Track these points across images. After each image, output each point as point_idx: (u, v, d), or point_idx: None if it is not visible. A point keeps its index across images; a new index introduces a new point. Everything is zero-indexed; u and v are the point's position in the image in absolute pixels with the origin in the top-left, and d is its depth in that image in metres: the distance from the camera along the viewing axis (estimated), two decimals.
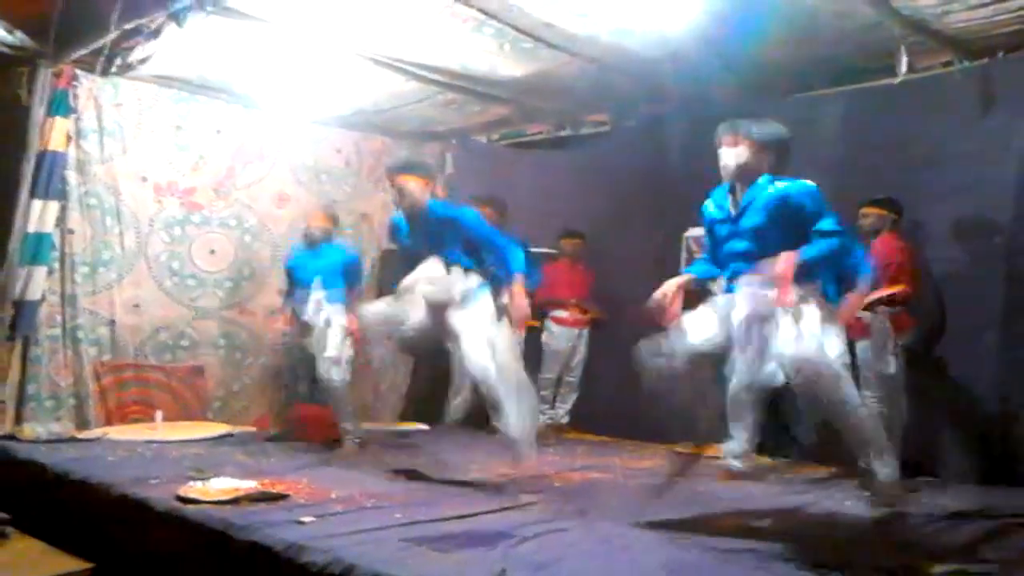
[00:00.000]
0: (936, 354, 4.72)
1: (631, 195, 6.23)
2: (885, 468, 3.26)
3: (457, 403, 5.65)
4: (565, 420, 6.42)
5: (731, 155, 3.37)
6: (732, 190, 3.48)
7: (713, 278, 3.66)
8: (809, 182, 3.37)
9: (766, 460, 4.98)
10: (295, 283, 5.61)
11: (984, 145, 4.69)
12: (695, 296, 3.65)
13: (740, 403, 4.33)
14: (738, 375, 4.25)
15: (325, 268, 5.47)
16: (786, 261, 3.13)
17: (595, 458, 5.23)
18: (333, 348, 5.32)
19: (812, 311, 3.20)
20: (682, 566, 2.91)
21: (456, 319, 4.16)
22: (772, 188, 3.32)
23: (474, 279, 4.25)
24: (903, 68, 4.78)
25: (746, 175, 3.37)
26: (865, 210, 4.65)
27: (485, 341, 4.07)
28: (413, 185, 4.33)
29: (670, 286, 3.52)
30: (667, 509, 3.65)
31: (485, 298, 4.21)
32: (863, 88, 5.23)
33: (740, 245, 3.35)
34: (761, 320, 3.22)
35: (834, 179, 4.77)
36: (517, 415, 4.02)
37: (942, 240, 4.82)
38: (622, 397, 6.00)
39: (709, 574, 2.85)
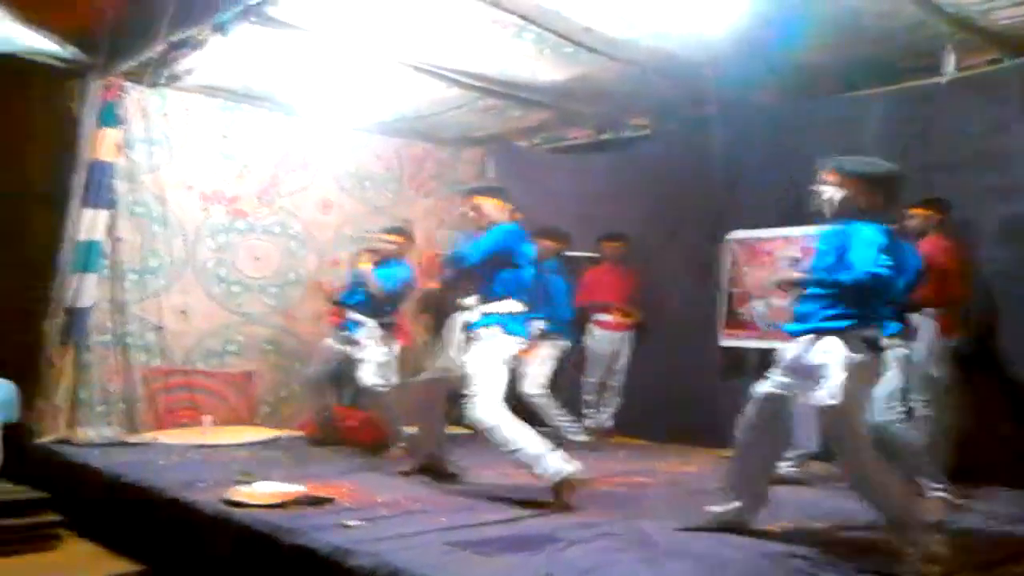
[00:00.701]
0: (989, 355, 4.62)
1: (672, 198, 6.20)
2: (922, 545, 2.94)
3: None
4: (609, 424, 6.39)
5: (824, 189, 3.15)
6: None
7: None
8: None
9: (820, 467, 4.86)
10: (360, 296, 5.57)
11: None
12: None
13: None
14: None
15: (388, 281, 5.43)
16: None
17: (639, 463, 5.21)
18: (375, 354, 5.39)
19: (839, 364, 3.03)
20: (728, 571, 2.89)
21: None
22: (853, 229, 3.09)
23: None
24: (950, 67, 4.69)
25: (832, 210, 3.15)
26: (911, 211, 4.56)
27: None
28: (490, 206, 4.26)
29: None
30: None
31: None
32: (908, 87, 5.15)
33: (813, 278, 3.20)
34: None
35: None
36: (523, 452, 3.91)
37: (992, 239, 4.72)
38: (665, 401, 5.99)
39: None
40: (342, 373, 5.64)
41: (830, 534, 3.43)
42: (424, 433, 4.50)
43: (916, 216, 4.54)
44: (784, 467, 4.42)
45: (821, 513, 3.79)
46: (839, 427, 3.02)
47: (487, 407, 3.89)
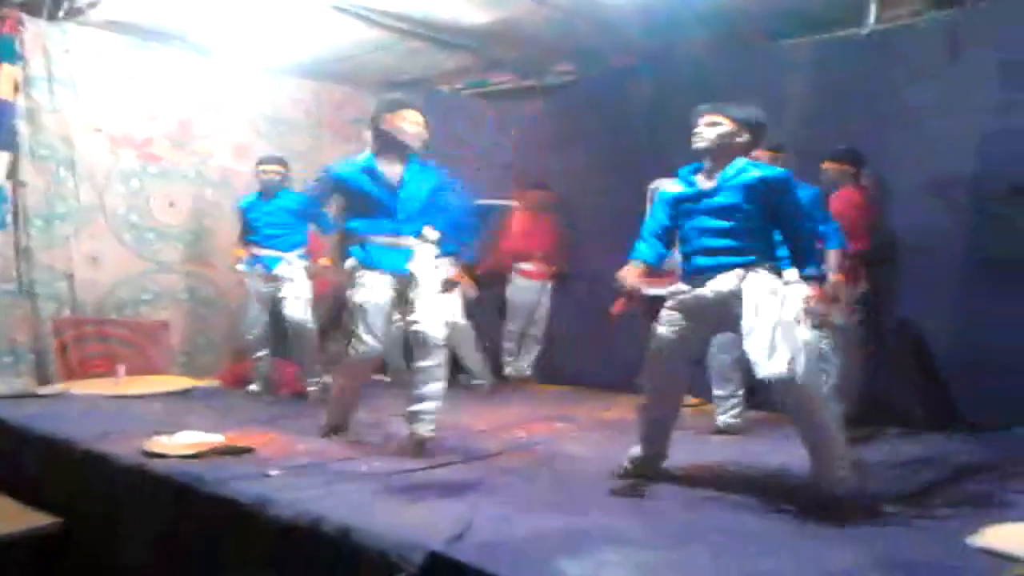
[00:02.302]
0: (898, 306, 4.80)
1: (597, 147, 6.20)
2: (843, 475, 3.08)
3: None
4: (529, 372, 6.45)
5: (711, 131, 3.27)
6: (700, 170, 3.37)
7: (663, 259, 3.60)
8: (782, 169, 3.36)
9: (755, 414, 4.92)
10: (250, 228, 5.55)
11: (950, 97, 4.70)
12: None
13: (727, 368, 4.43)
14: (722, 348, 4.31)
15: (280, 213, 5.40)
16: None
17: (559, 409, 5.28)
18: (302, 289, 5.37)
19: (791, 311, 3.15)
20: (651, 512, 2.97)
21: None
22: (753, 171, 3.23)
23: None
24: (871, 18, 4.77)
25: (722, 152, 3.28)
26: (825, 164, 4.66)
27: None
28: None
29: (631, 280, 3.45)
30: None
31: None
32: (832, 38, 5.21)
33: (713, 222, 3.25)
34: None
35: (801, 130, 4.80)
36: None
37: (906, 192, 4.85)
38: (586, 348, 6.07)
39: (679, 521, 2.90)
40: (275, 318, 5.53)
41: (747, 478, 3.54)
42: (348, 399, 4.30)
43: (829, 169, 4.65)
44: (721, 419, 4.54)
45: (742, 459, 3.87)
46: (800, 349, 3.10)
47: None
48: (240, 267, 5.58)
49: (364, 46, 6.07)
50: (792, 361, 3.00)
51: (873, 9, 4.79)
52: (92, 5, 5.27)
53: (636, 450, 3.50)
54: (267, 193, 5.50)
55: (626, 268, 3.43)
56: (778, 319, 3.06)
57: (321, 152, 6.85)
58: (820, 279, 3.24)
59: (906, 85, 4.85)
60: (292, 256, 5.44)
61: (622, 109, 6.04)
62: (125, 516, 3.45)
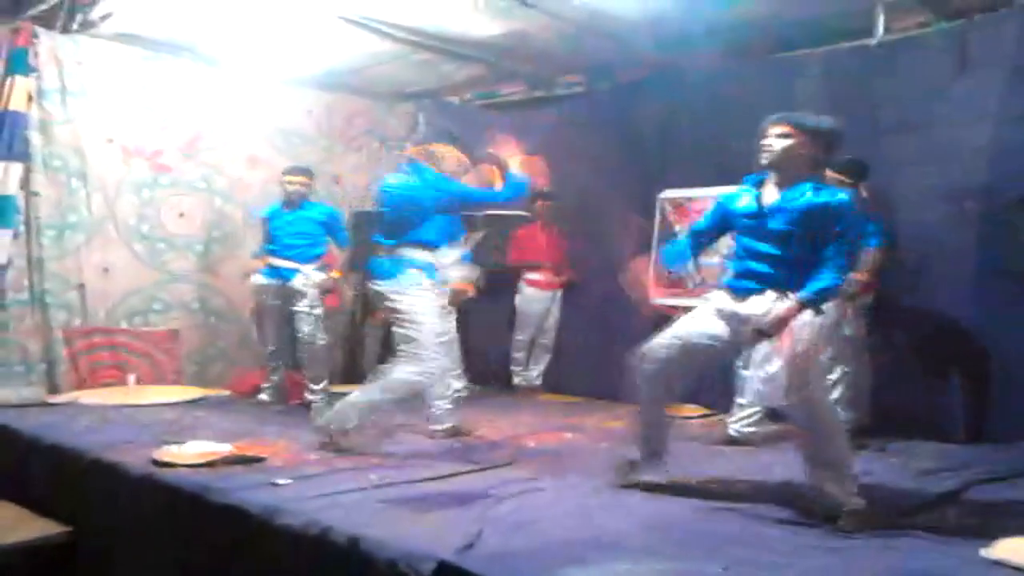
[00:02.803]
0: (908, 316, 4.77)
1: (606, 158, 6.20)
2: (850, 495, 3.04)
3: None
4: (539, 382, 6.44)
5: (779, 143, 3.15)
6: (762, 184, 3.27)
7: (683, 265, 3.60)
8: (844, 194, 3.23)
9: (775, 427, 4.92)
10: (270, 238, 5.56)
11: (959, 108, 4.69)
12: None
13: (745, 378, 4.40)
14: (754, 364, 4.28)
15: (302, 223, 5.45)
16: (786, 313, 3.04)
17: (568, 419, 5.26)
18: (318, 305, 5.39)
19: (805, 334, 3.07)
20: (659, 522, 2.95)
21: None
22: (811, 195, 3.13)
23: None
24: (880, 29, 4.77)
25: (790, 166, 3.17)
26: (828, 173, 4.63)
27: None
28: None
29: (643, 272, 3.47)
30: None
31: None
32: (840, 49, 5.21)
33: (764, 247, 3.19)
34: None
35: None
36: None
37: (915, 203, 4.83)
38: (595, 358, 6.06)
39: (688, 531, 2.88)
40: (278, 326, 5.54)
41: (755, 489, 3.52)
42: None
43: (832, 179, 4.62)
44: (734, 428, 4.50)
45: (751, 471, 3.84)
46: (812, 374, 3.08)
47: None
48: (257, 278, 5.55)
49: (375, 58, 6.10)
50: (804, 388, 2.99)
51: (882, 21, 4.79)
52: (105, 18, 5.31)
53: (634, 454, 3.48)
54: (291, 204, 5.51)
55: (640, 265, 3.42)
56: (795, 348, 3.02)
57: (332, 163, 6.89)
58: (810, 303, 3.17)
59: (916, 95, 4.84)
60: (309, 269, 5.44)
61: (632, 121, 6.04)
62: (134, 525, 3.45)
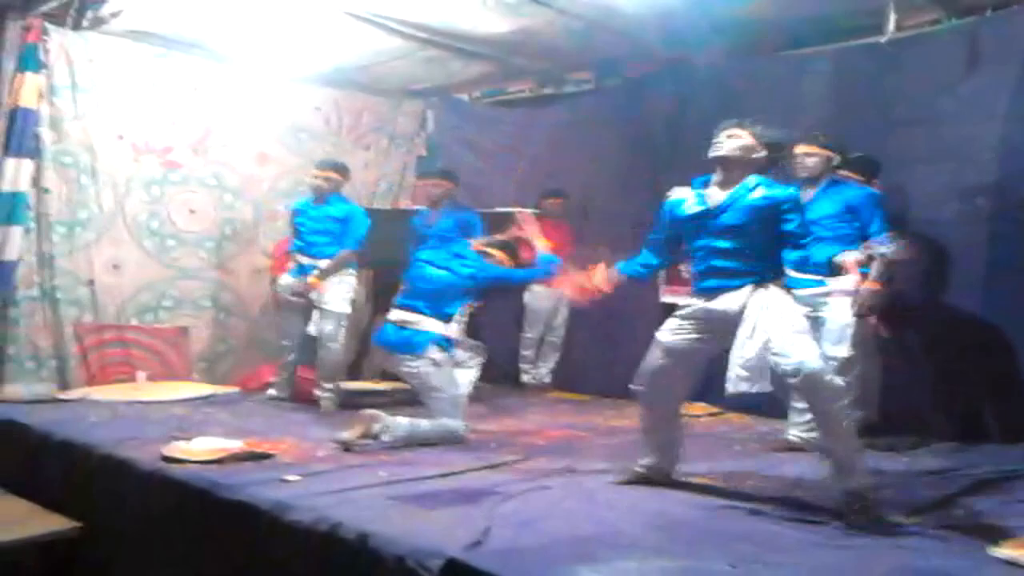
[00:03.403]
0: (919, 314, 4.75)
1: (614, 155, 6.20)
2: (861, 480, 3.06)
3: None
4: (547, 380, 6.44)
5: (730, 142, 3.28)
6: (708, 184, 3.37)
7: (643, 279, 3.68)
8: (791, 188, 3.35)
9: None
10: (295, 233, 5.53)
11: (970, 105, 4.67)
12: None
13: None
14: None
15: (324, 221, 5.39)
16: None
17: (578, 416, 5.28)
18: (343, 305, 5.36)
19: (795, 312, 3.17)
20: (668, 521, 2.95)
21: None
22: (761, 191, 3.24)
23: None
24: (891, 26, 4.75)
25: (736, 165, 3.28)
26: (840, 172, 4.62)
27: None
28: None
29: (602, 281, 3.55)
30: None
31: None
32: (850, 46, 5.19)
33: (720, 243, 3.25)
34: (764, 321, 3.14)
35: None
36: None
37: (926, 200, 4.81)
38: (604, 356, 6.05)
39: (697, 529, 2.89)
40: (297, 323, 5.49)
41: (763, 488, 3.51)
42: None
43: (840, 176, 4.60)
44: (794, 433, 4.38)
45: (761, 469, 3.83)
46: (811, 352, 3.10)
47: None
48: (284, 278, 5.51)
49: (384, 55, 6.10)
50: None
51: (892, 18, 4.77)
52: (116, 15, 5.32)
53: (643, 460, 3.49)
54: (318, 199, 5.46)
55: (600, 267, 3.54)
56: (778, 329, 3.06)
57: (339, 159, 6.87)
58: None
59: (927, 93, 4.82)
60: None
61: (641, 117, 6.03)
62: (143, 521, 3.47)
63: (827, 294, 4.19)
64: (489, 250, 4.60)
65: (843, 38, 5.22)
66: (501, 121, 7.07)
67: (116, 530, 3.54)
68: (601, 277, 3.57)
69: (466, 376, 4.56)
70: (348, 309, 5.41)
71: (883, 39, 4.85)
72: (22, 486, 3.98)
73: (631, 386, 3.46)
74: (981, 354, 4.58)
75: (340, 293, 5.35)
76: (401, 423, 4.10)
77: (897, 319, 4.59)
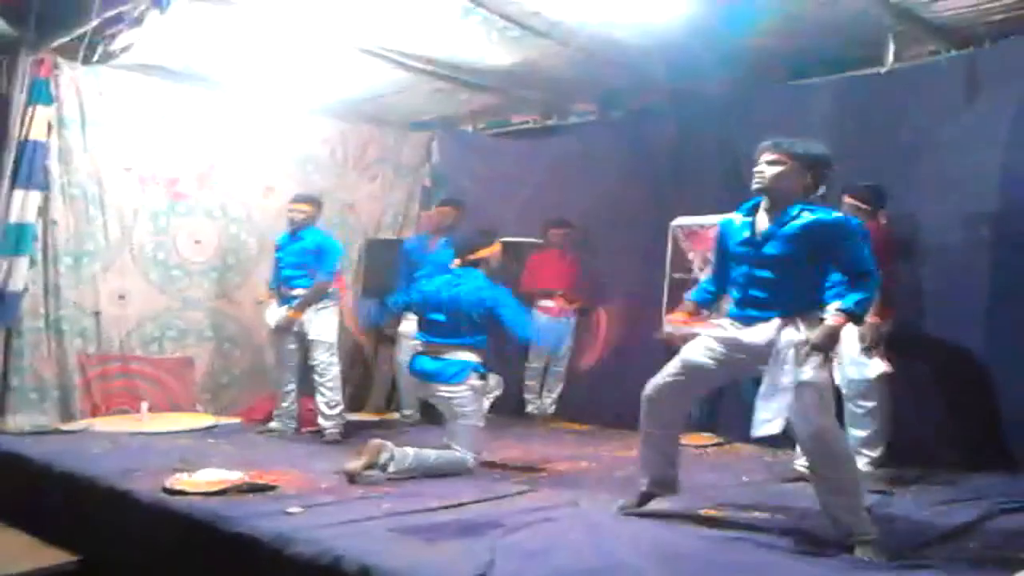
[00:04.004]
0: (922, 343, 4.73)
1: (618, 185, 6.22)
2: (865, 524, 3.02)
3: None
4: (552, 410, 6.42)
5: (771, 170, 3.17)
6: (755, 210, 3.30)
7: (714, 298, 3.61)
8: (839, 213, 3.27)
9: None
10: (276, 266, 5.60)
11: (970, 134, 4.69)
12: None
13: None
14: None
15: (301, 254, 5.45)
16: (830, 333, 3.06)
17: (583, 447, 5.24)
18: (330, 334, 5.38)
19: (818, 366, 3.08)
20: (673, 553, 2.92)
21: None
22: (802, 217, 3.14)
23: None
24: (890, 57, 4.78)
25: (779, 194, 3.19)
26: (844, 198, 4.62)
27: None
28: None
29: (679, 318, 3.51)
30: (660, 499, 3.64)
31: None
32: (851, 77, 5.23)
33: (760, 273, 3.20)
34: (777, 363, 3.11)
35: None
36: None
37: (928, 229, 4.82)
38: (609, 386, 6.01)
39: (703, 560, 2.86)
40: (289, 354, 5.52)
41: (770, 519, 3.48)
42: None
43: (847, 203, 4.61)
44: (801, 464, 4.35)
45: (768, 501, 3.81)
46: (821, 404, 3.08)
47: None
48: (269, 312, 5.57)
49: (389, 86, 6.15)
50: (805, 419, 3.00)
51: (892, 49, 4.80)
52: (126, 49, 5.37)
53: (647, 477, 3.46)
54: (293, 232, 5.52)
55: (676, 310, 3.54)
56: (793, 379, 3.03)
57: (345, 190, 6.93)
58: (851, 315, 3.11)
59: (927, 122, 4.85)
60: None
61: (644, 148, 6.06)
62: (144, 553, 3.44)
63: None
64: (479, 255, 4.49)
65: (844, 69, 5.26)
66: (505, 152, 7.11)
67: (118, 562, 3.51)
68: (678, 317, 3.53)
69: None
70: (334, 337, 5.43)
71: (883, 70, 4.88)
72: (23, 518, 3.96)
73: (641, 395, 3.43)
74: (986, 382, 4.56)
75: (324, 322, 5.39)
76: (407, 453, 4.08)
77: (902, 349, 4.57)
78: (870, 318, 4.07)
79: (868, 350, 4.18)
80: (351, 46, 5.36)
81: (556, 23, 4.91)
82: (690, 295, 3.61)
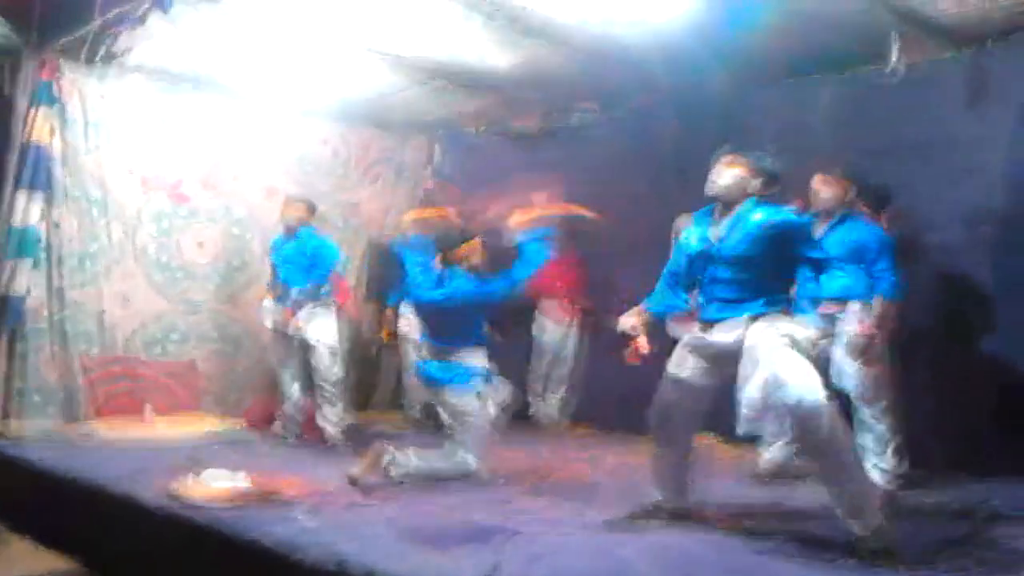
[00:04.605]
0: (926, 343, 4.71)
1: (621, 185, 6.19)
2: (874, 528, 2.98)
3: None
4: (556, 413, 6.40)
5: (725, 175, 3.30)
6: (711, 214, 3.39)
7: (671, 313, 3.66)
8: (790, 208, 3.37)
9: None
10: (272, 269, 5.63)
11: (974, 133, 4.68)
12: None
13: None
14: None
15: (295, 255, 5.46)
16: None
17: (588, 451, 5.23)
18: (330, 337, 5.36)
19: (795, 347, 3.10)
20: (680, 557, 2.92)
21: None
22: (758, 215, 3.23)
23: None
24: (894, 56, 4.76)
25: (732, 195, 3.30)
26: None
27: None
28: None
29: (629, 323, 3.53)
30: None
31: None
32: (854, 75, 5.21)
33: (723, 272, 3.26)
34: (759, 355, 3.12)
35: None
36: None
37: (932, 228, 4.80)
38: (612, 390, 6.01)
39: (709, 565, 2.86)
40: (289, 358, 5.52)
41: (783, 523, 3.47)
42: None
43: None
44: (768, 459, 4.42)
45: (778, 502, 3.81)
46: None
47: None
48: (263, 311, 5.59)
49: (390, 88, 6.14)
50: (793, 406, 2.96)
51: (895, 48, 4.78)
52: (128, 51, 5.37)
53: (656, 495, 3.45)
54: (289, 234, 5.54)
55: (627, 313, 3.51)
56: (776, 363, 3.02)
57: (347, 192, 6.93)
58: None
59: (930, 122, 4.83)
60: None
61: (647, 147, 6.04)
62: (149, 559, 3.44)
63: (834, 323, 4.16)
64: (460, 254, 4.47)
65: (845, 68, 5.23)
66: (508, 153, 7.09)
67: (122, 568, 3.52)
68: (630, 319, 3.55)
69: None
70: (334, 340, 5.41)
71: (887, 69, 4.86)
72: (25, 523, 3.96)
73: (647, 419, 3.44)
74: (991, 383, 4.54)
75: (321, 324, 5.38)
76: (410, 456, 4.07)
77: (906, 350, 4.56)
78: (859, 327, 4.06)
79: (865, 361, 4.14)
80: (352, 48, 5.35)
81: (557, 24, 4.89)
82: (646, 304, 3.60)
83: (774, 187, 3.35)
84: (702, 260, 3.35)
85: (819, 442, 2.99)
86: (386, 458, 4.01)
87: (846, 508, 3.00)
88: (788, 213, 3.31)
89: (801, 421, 2.97)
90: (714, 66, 5.32)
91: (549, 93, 6.38)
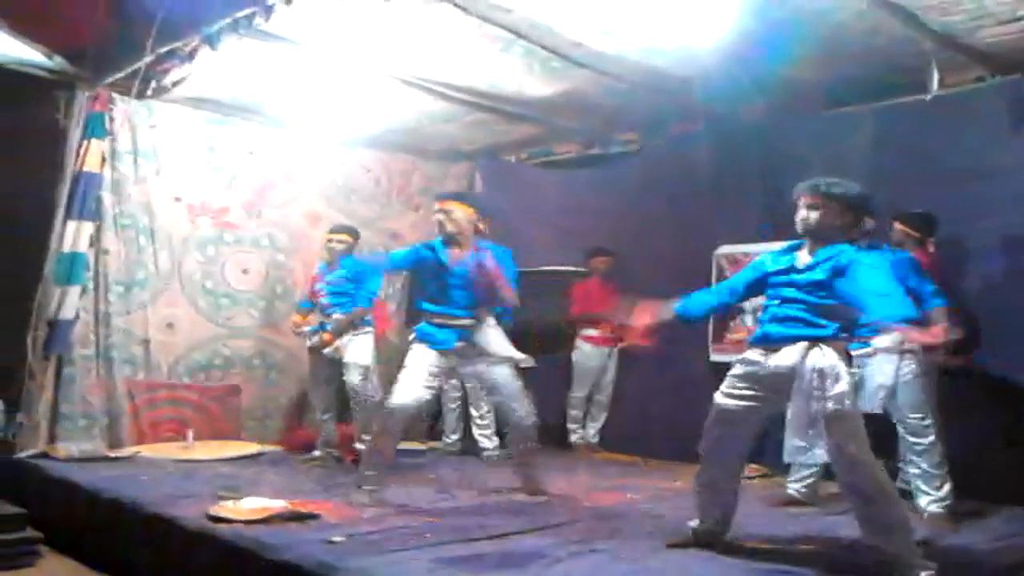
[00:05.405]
0: (972, 370, 4.62)
1: (660, 213, 6.20)
2: (916, 559, 2.97)
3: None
4: (595, 440, 6.37)
5: (812, 215, 3.22)
6: (799, 248, 3.33)
7: (699, 320, 3.60)
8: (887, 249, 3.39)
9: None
10: (316, 295, 5.71)
11: (1015, 160, 4.61)
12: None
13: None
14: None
15: (340, 282, 5.54)
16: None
17: (625, 478, 5.19)
18: (363, 357, 5.41)
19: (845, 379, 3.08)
20: None
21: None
22: (849, 255, 3.16)
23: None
24: (935, 84, 4.72)
25: (823, 235, 3.23)
26: (895, 224, 4.56)
27: None
28: (460, 213, 4.40)
29: (648, 315, 3.52)
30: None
31: None
32: (894, 104, 5.17)
33: (795, 293, 3.20)
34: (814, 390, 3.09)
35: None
36: None
37: (975, 255, 4.73)
38: (652, 416, 5.97)
39: None
40: (328, 381, 5.59)
41: (818, 552, 3.41)
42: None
43: (897, 230, 4.55)
44: (793, 487, 4.43)
45: (814, 532, 3.75)
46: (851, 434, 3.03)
47: None
48: (306, 331, 5.68)
49: (431, 118, 6.23)
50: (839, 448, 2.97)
51: (935, 76, 4.75)
52: (177, 83, 5.53)
53: (695, 522, 3.41)
54: (332, 262, 5.62)
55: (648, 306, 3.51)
56: (820, 409, 3.00)
57: (389, 220, 7.01)
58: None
59: (971, 150, 4.78)
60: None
61: (686, 176, 6.03)
62: None
63: (870, 355, 4.11)
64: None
65: (884, 97, 5.20)
66: (548, 182, 7.13)
67: None
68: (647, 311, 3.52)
69: None
70: (369, 360, 5.46)
71: (927, 97, 4.83)
72: (68, 544, 4.02)
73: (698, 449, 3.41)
74: None
75: (360, 347, 5.45)
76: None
77: (953, 377, 4.47)
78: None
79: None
80: (394, 78, 5.44)
81: (597, 53, 4.93)
82: (676, 307, 3.57)
83: (864, 215, 3.30)
84: (779, 279, 3.29)
85: (869, 496, 3.00)
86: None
87: (889, 542, 2.96)
88: (859, 251, 3.21)
89: (853, 477, 3.02)
90: (752, 96, 5.32)
91: (588, 121, 6.43)
